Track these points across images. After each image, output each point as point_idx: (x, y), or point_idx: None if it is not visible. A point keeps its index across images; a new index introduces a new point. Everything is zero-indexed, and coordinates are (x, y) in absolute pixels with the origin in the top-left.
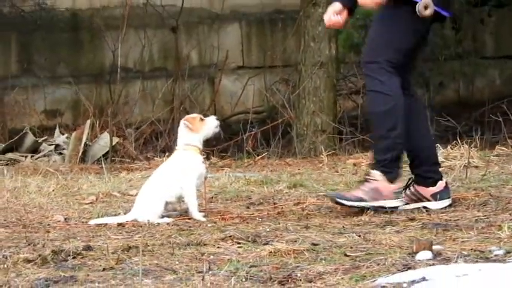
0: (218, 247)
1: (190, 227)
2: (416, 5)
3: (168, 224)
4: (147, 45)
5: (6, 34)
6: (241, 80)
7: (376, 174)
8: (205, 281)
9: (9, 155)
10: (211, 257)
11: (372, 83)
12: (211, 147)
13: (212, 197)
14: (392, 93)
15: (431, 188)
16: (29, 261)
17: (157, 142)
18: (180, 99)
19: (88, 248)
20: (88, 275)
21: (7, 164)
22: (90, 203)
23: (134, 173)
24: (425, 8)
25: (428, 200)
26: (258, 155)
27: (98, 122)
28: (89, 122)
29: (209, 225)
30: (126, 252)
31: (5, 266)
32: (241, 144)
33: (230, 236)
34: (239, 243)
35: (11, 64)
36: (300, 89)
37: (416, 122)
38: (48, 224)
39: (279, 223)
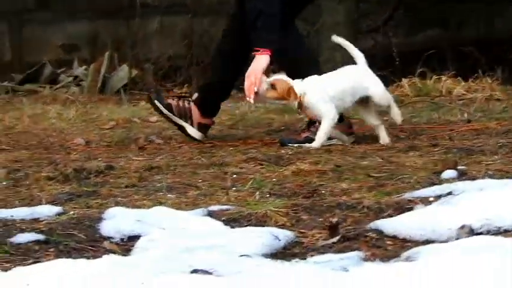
0: (241, 167)
1: (211, 149)
2: None
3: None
4: None
5: None
6: None
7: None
8: (229, 196)
9: (28, 86)
10: (234, 176)
11: None
12: None
13: (233, 124)
14: None
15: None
16: (50, 178)
17: (176, 77)
18: (198, 34)
19: (110, 167)
20: (111, 191)
21: (25, 95)
22: (111, 128)
23: None
24: None
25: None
26: None
27: (116, 56)
28: (107, 54)
29: (230, 148)
30: (148, 171)
31: (28, 182)
32: None
33: (252, 158)
34: (261, 164)
35: None
36: (319, 24)
37: None
38: (69, 147)
39: (301, 147)
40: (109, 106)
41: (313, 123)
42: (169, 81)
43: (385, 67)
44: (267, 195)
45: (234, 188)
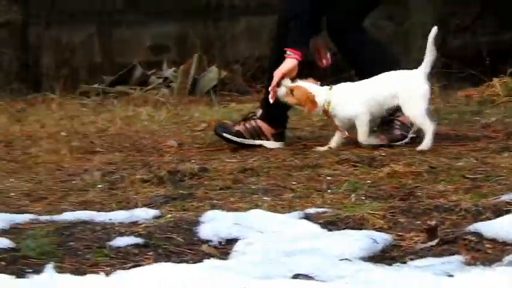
0: (334, 169)
1: (304, 151)
2: None
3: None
4: None
5: None
6: None
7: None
8: (325, 198)
9: (119, 88)
10: (329, 178)
11: None
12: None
13: (324, 125)
14: None
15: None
16: (145, 181)
17: (264, 78)
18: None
19: (204, 169)
20: (206, 193)
21: (116, 97)
22: (202, 129)
23: (244, 104)
24: None
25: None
26: None
27: (204, 57)
28: (196, 55)
29: (322, 149)
30: (242, 173)
31: (123, 185)
32: None
33: (345, 159)
34: (355, 166)
35: None
36: (407, 24)
37: None
38: (162, 149)
39: (395, 148)
40: (199, 108)
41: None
42: (257, 82)
43: (475, 66)
44: (363, 198)
45: (329, 190)
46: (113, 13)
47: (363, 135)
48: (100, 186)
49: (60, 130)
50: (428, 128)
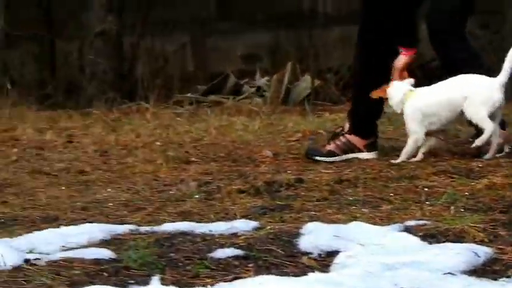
0: (431, 180)
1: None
2: None
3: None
4: None
5: None
6: None
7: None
8: (424, 210)
9: (212, 97)
10: (426, 189)
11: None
12: None
13: None
14: None
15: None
16: (242, 191)
17: None
18: None
19: (300, 180)
20: (303, 204)
21: (210, 106)
22: (297, 139)
23: (337, 114)
24: None
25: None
26: None
27: (297, 66)
28: (289, 64)
29: (418, 160)
30: (338, 184)
31: (220, 195)
32: None
33: (443, 171)
34: (452, 177)
35: (210, 8)
36: (504, 33)
37: None
38: (257, 159)
39: (491, 159)
40: (293, 117)
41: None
42: (350, 91)
43: None
44: (462, 210)
45: (427, 202)
46: (206, 22)
47: (405, 154)
48: (197, 196)
49: (155, 140)
50: (488, 126)
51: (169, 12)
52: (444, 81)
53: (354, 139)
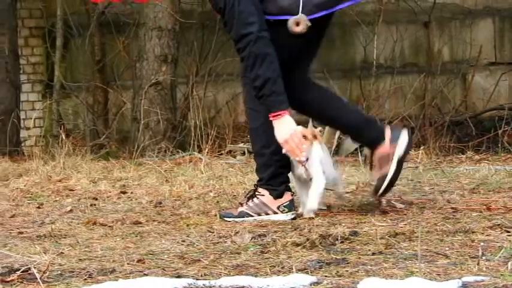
0: (487, 235)
1: (455, 215)
2: (287, 23)
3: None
4: (399, 41)
5: None
6: (493, 75)
7: (262, 190)
8: (481, 266)
9: None
10: (482, 243)
11: (246, 98)
12: (463, 143)
13: (474, 188)
14: (261, 109)
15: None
16: (297, 244)
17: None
18: (431, 94)
19: (355, 233)
20: (359, 258)
21: None
22: (351, 192)
23: None
24: (297, 24)
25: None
26: None
27: None
28: None
29: (474, 214)
30: (393, 237)
31: (275, 248)
32: (495, 140)
33: (498, 225)
34: (508, 231)
35: None
36: None
37: (334, 108)
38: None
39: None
40: (346, 169)
41: (251, 197)
42: None
43: None
44: None
45: (484, 257)
46: None
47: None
48: (251, 249)
49: (208, 191)
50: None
51: (222, 63)
52: None
53: None
